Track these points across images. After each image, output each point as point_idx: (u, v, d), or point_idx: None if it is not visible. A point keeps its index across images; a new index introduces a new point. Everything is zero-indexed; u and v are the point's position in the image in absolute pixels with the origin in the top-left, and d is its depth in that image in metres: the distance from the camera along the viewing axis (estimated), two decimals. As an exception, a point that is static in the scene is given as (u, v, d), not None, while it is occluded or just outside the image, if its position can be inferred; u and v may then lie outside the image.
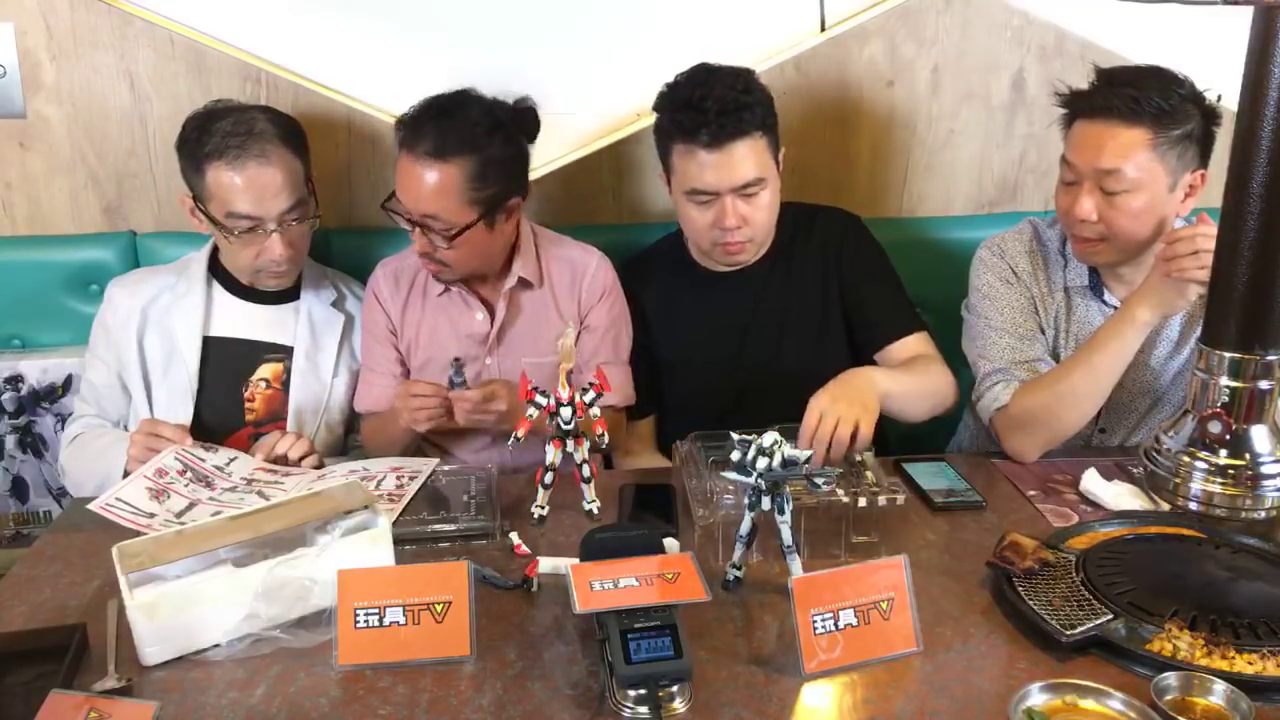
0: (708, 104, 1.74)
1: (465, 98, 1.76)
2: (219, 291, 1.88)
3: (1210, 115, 1.66)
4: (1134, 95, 1.62)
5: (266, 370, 1.87)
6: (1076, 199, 1.69)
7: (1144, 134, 1.62)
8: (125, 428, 1.85)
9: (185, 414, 1.81)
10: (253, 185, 1.72)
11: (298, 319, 1.89)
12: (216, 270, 1.88)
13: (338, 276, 1.99)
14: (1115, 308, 1.79)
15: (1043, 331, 1.85)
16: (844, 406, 1.56)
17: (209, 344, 1.85)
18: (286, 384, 1.87)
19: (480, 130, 1.72)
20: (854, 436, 1.55)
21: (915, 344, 1.89)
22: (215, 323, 1.86)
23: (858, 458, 1.55)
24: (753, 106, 1.75)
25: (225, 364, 1.86)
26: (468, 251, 1.76)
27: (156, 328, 1.85)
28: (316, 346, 1.89)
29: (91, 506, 1.50)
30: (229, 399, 1.85)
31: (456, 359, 1.66)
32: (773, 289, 1.95)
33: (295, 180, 1.77)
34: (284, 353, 1.88)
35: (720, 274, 1.95)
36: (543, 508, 1.57)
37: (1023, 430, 1.74)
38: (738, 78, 1.78)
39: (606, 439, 1.57)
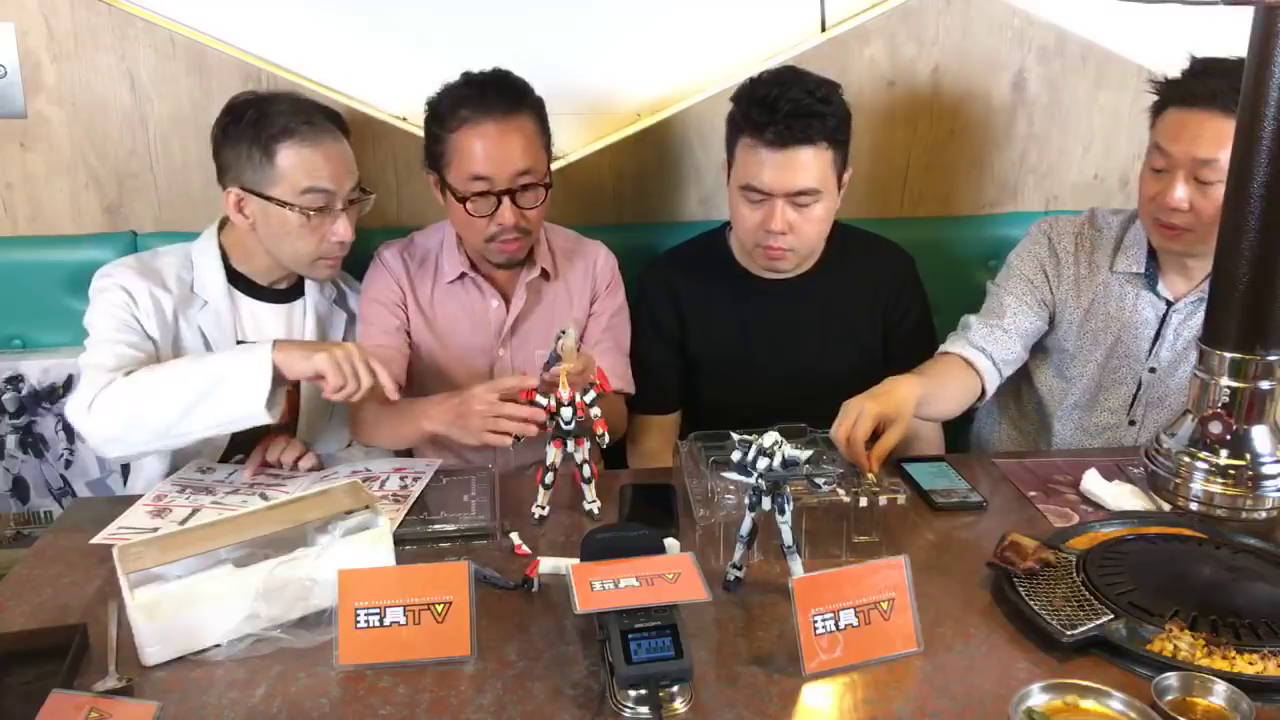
0: (781, 104, 1.73)
1: (485, 72, 1.79)
2: (237, 295, 1.86)
3: None
4: (1237, 86, 1.62)
5: None
6: (1168, 186, 1.68)
7: None
8: None
9: None
10: (329, 160, 1.72)
11: (305, 317, 1.89)
12: (229, 273, 1.85)
13: (347, 281, 1.99)
14: (1168, 300, 1.82)
15: (1048, 309, 1.89)
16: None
17: None
18: (298, 384, 1.86)
19: (525, 82, 1.79)
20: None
21: None
22: (241, 328, 1.84)
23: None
24: (825, 117, 1.74)
25: None
26: (544, 210, 1.81)
27: (190, 333, 1.81)
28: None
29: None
30: None
31: (564, 330, 1.54)
32: (816, 306, 1.95)
33: (355, 162, 1.79)
34: None
35: (764, 281, 1.94)
36: (543, 508, 1.57)
37: (924, 365, 1.84)
38: (820, 86, 1.77)
39: (607, 439, 1.57)
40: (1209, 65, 1.67)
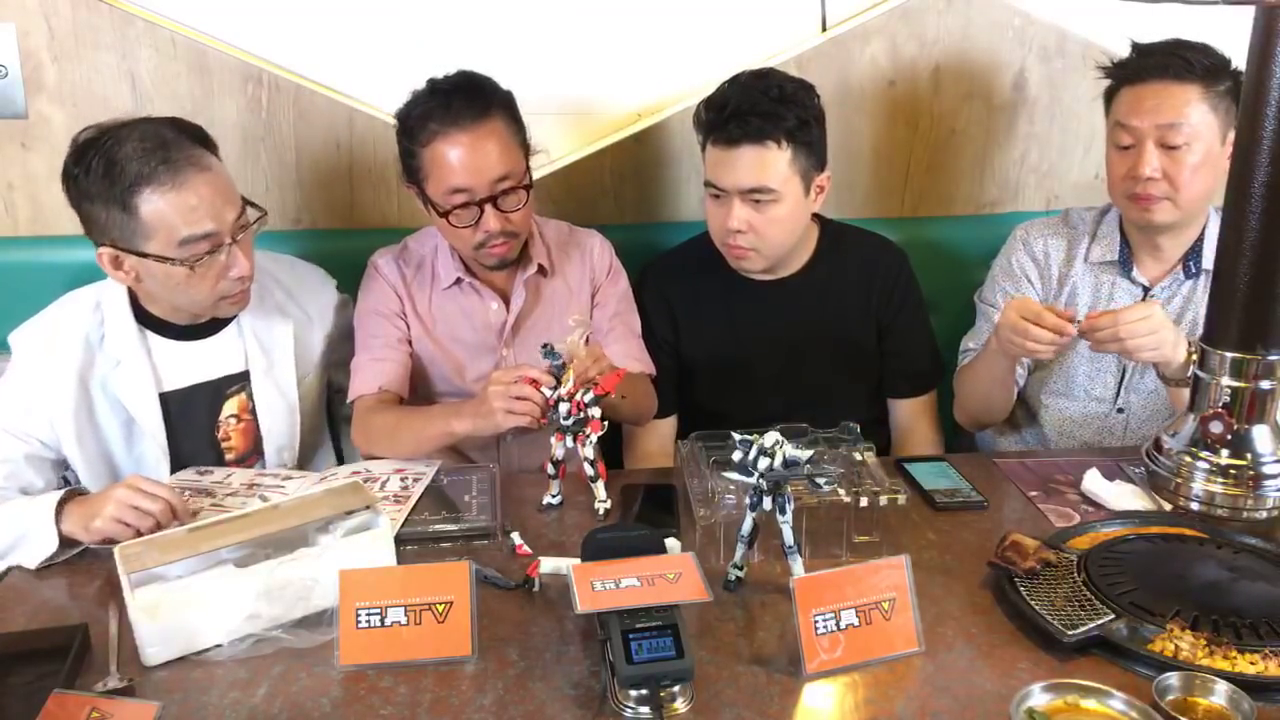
0: (730, 103, 1.75)
1: (449, 77, 1.75)
2: (155, 341, 1.69)
3: (1236, 77, 1.72)
4: (1182, 55, 1.70)
5: (233, 405, 1.75)
6: (1139, 158, 1.73)
7: (1197, 89, 1.69)
8: None
9: (164, 477, 1.68)
10: (202, 199, 1.52)
11: (243, 339, 1.74)
12: (141, 318, 1.69)
13: (277, 268, 1.83)
14: (1144, 285, 1.85)
15: None
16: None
17: (167, 401, 1.70)
18: (255, 410, 1.76)
19: (491, 83, 1.74)
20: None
21: (921, 405, 2.03)
22: (166, 377, 1.70)
23: (859, 457, 1.55)
24: (779, 117, 1.74)
25: (190, 415, 1.72)
26: (529, 210, 1.79)
27: (104, 399, 1.67)
28: (271, 362, 1.76)
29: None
30: (204, 445, 1.74)
31: (545, 344, 1.53)
32: (808, 304, 1.95)
33: (232, 183, 1.60)
34: (243, 380, 1.75)
35: (755, 281, 1.95)
36: (555, 496, 1.59)
37: (956, 400, 1.98)
38: (780, 86, 1.77)
39: (594, 438, 1.55)
40: (1150, 45, 1.76)
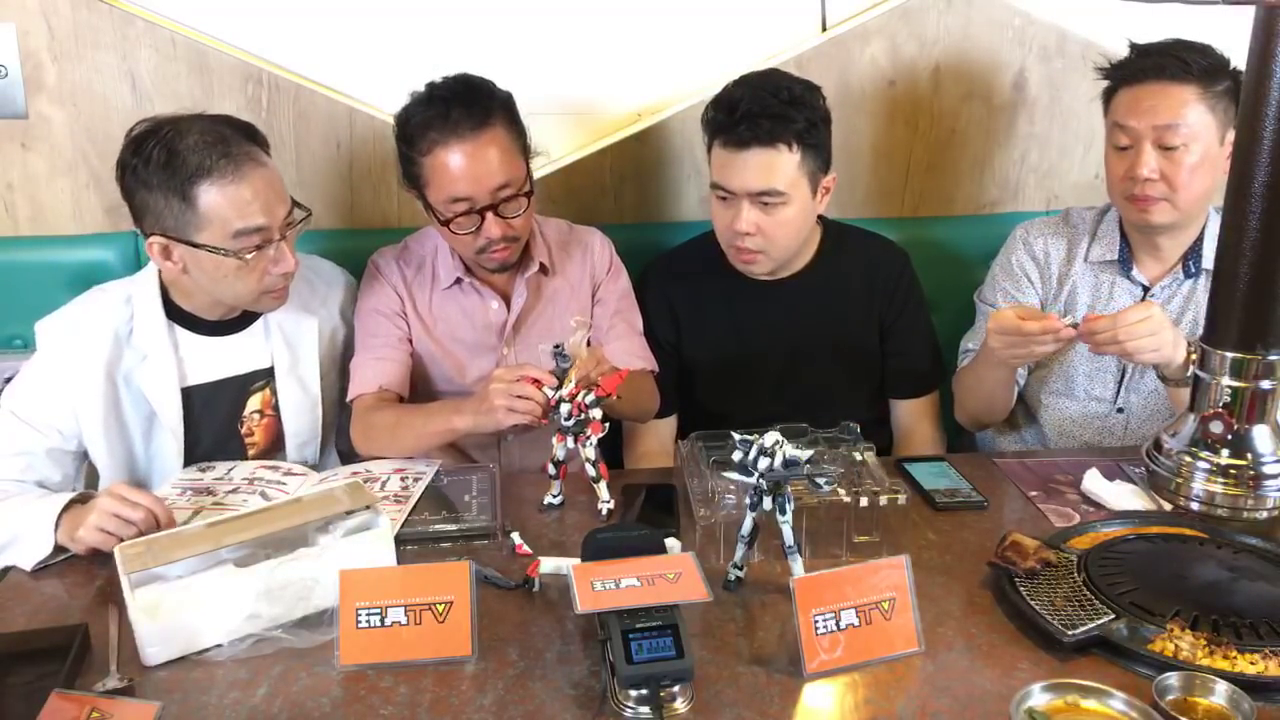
0: (740, 105, 1.74)
1: (448, 81, 1.73)
2: (183, 336, 1.71)
3: (1236, 76, 1.72)
4: (1179, 56, 1.70)
5: (256, 400, 1.77)
6: (1136, 159, 1.73)
7: (1194, 90, 1.70)
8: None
9: (178, 472, 1.71)
10: (258, 194, 1.57)
11: (268, 336, 1.76)
12: (171, 313, 1.70)
13: (305, 264, 1.80)
14: (1144, 285, 1.86)
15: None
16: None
17: (191, 395, 1.71)
18: (278, 406, 1.78)
19: (489, 88, 1.73)
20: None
21: (923, 405, 2.02)
22: (190, 372, 1.71)
23: (859, 457, 1.55)
24: (789, 119, 1.74)
25: (213, 410, 1.74)
26: (530, 214, 1.78)
27: (128, 392, 1.68)
28: (296, 358, 1.78)
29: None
30: (228, 440, 1.76)
31: (557, 345, 1.53)
32: (811, 305, 1.95)
33: (282, 181, 1.64)
34: (268, 375, 1.77)
35: (757, 282, 1.94)
36: (555, 496, 1.59)
37: (956, 401, 1.99)
38: (788, 88, 1.76)
39: (595, 440, 1.55)
40: (1148, 46, 1.77)
